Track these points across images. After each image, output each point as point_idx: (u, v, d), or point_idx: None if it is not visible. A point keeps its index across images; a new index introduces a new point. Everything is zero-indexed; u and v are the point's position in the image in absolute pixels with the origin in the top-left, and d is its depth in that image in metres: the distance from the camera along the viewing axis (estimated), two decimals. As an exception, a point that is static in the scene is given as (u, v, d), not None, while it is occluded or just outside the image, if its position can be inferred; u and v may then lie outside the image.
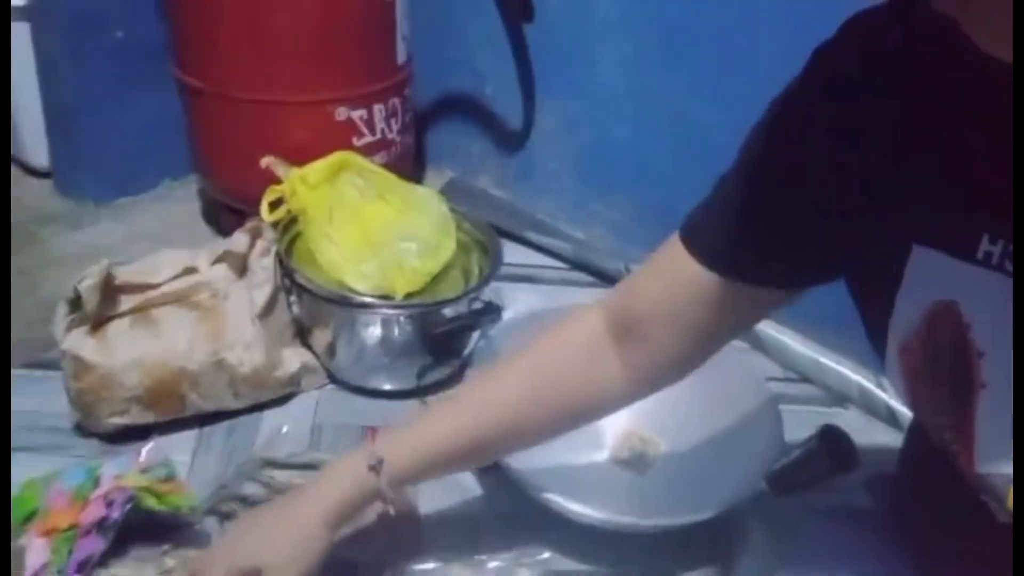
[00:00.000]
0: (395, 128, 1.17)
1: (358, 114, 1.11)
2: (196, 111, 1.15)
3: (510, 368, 0.66)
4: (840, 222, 0.51)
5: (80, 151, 1.29)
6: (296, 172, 0.97)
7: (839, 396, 0.97)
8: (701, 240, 0.57)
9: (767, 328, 1.03)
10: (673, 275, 0.59)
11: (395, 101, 1.15)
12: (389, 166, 1.15)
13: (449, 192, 1.34)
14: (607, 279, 1.18)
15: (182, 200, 1.34)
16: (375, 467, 0.62)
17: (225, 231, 1.19)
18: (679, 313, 0.59)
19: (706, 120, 1.08)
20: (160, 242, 1.23)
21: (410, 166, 1.27)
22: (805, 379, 1.00)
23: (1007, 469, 0.46)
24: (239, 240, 0.92)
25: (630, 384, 0.64)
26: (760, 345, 1.04)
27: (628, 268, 1.21)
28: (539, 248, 1.26)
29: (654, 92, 1.13)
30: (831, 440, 0.70)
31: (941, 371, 0.48)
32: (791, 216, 0.53)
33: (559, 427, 0.68)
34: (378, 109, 1.13)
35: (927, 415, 0.52)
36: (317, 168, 0.98)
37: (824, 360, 0.98)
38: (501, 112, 1.34)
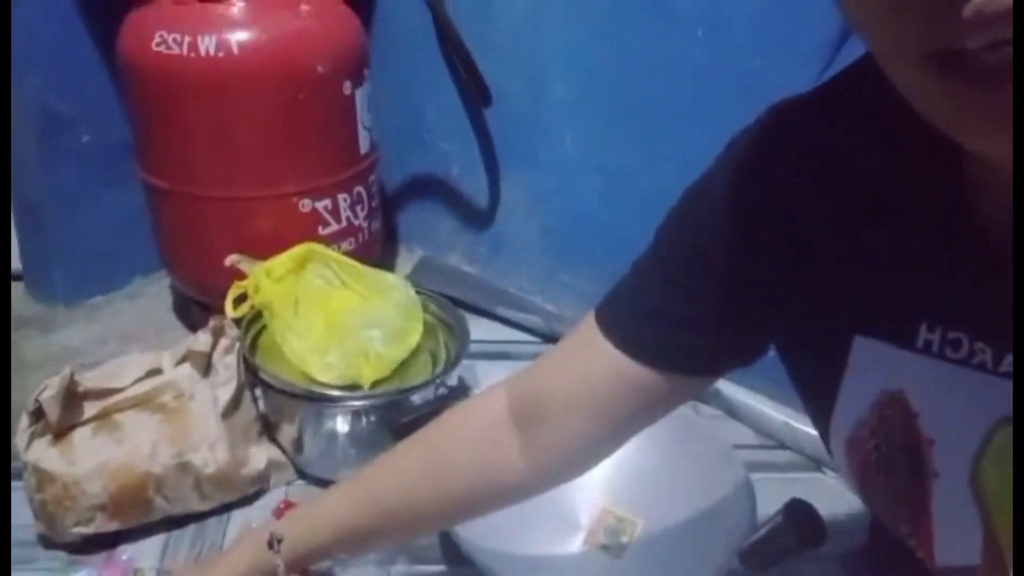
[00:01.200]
0: (361, 215, 1.18)
1: (322, 204, 1.12)
2: (162, 210, 1.16)
3: (410, 447, 0.64)
4: (760, 307, 0.50)
5: (51, 253, 1.29)
6: (261, 266, 0.98)
7: (814, 460, 0.96)
8: (617, 322, 0.54)
9: (739, 394, 1.03)
10: (586, 357, 0.55)
11: (360, 189, 1.17)
12: (357, 252, 1.17)
13: (420, 271, 1.36)
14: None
15: (154, 296, 1.34)
16: (273, 545, 0.63)
17: (197, 326, 1.18)
18: (590, 398, 0.56)
19: (668, 190, 1.10)
20: (132, 341, 1.23)
21: (379, 250, 1.28)
22: (780, 445, 0.99)
23: (968, 560, 0.45)
24: (202, 339, 0.92)
25: (530, 472, 0.60)
26: (733, 412, 1.03)
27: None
28: (511, 323, 1.26)
29: (616, 166, 1.15)
30: (798, 514, 0.69)
31: (893, 463, 0.46)
32: (705, 301, 0.51)
33: (457, 511, 0.65)
34: (343, 198, 1.14)
35: (882, 509, 0.50)
36: (281, 261, 0.99)
37: (797, 424, 0.97)
38: (468, 191, 1.36)
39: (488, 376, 1.07)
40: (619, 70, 1.11)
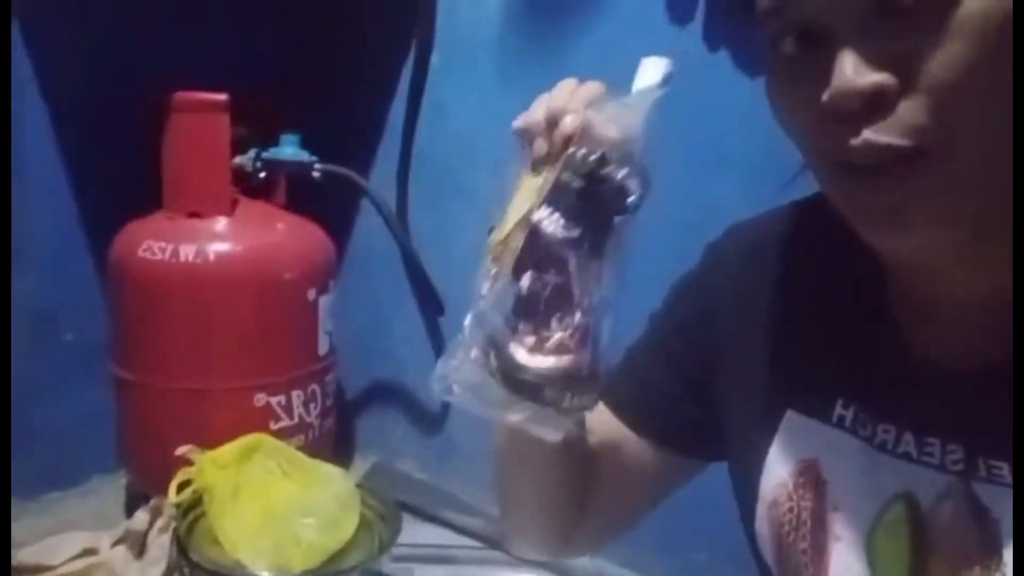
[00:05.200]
0: (314, 412, 1.25)
1: (276, 400, 1.19)
2: (127, 403, 1.23)
3: None
4: (720, 388, 0.57)
5: (15, 446, 1.33)
6: (207, 454, 1.03)
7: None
8: (618, 396, 0.60)
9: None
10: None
11: (314, 387, 1.24)
12: (307, 448, 1.21)
13: (373, 476, 1.39)
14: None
15: (109, 494, 1.37)
16: None
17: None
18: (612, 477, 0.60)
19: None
20: (80, 535, 1.24)
21: (330, 449, 1.32)
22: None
23: None
24: (140, 518, 0.95)
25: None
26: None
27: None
28: (455, 527, 1.28)
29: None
30: None
31: (802, 525, 0.52)
32: (680, 380, 0.58)
33: None
34: (296, 395, 1.21)
35: (790, 569, 0.54)
36: (228, 449, 1.04)
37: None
38: (423, 398, 1.43)
39: (427, 579, 1.08)
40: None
